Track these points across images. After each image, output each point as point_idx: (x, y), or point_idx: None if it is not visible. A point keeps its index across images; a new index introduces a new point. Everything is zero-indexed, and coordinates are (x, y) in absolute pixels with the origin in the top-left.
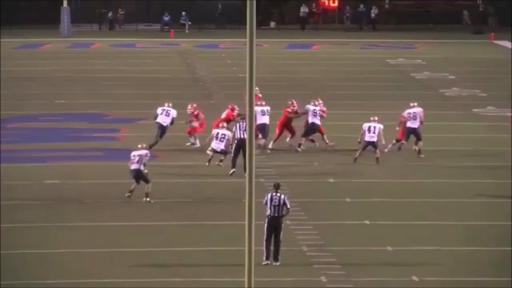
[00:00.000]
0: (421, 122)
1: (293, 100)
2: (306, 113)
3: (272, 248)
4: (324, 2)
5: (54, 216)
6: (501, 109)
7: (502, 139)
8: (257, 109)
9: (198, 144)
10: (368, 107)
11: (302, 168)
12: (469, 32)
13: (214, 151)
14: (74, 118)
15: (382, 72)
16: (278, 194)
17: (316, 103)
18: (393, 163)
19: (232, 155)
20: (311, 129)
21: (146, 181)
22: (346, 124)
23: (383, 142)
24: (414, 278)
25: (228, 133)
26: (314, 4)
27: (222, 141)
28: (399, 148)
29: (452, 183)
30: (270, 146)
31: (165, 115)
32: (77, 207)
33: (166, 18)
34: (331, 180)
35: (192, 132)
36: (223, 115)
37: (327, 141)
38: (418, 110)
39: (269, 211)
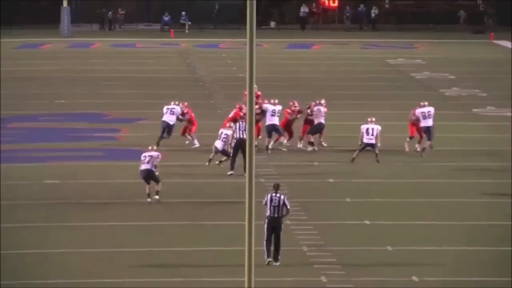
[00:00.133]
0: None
1: (295, 101)
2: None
3: (272, 248)
4: (324, 2)
5: (54, 216)
6: (501, 109)
7: (502, 139)
8: (269, 107)
9: (197, 144)
10: (368, 107)
11: (302, 168)
12: (469, 32)
13: (216, 150)
14: (74, 118)
15: (382, 72)
16: (278, 195)
17: (318, 102)
18: (393, 163)
19: (231, 155)
20: (318, 128)
21: (157, 180)
22: (346, 124)
23: (379, 144)
24: (414, 278)
25: (230, 133)
26: (314, 4)
27: (224, 141)
28: (423, 149)
29: (452, 183)
30: (270, 146)
31: (170, 113)
32: (77, 207)
33: (166, 18)
34: (331, 180)
35: (184, 133)
36: (231, 114)
37: (323, 143)
38: (431, 109)
39: (269, 211)
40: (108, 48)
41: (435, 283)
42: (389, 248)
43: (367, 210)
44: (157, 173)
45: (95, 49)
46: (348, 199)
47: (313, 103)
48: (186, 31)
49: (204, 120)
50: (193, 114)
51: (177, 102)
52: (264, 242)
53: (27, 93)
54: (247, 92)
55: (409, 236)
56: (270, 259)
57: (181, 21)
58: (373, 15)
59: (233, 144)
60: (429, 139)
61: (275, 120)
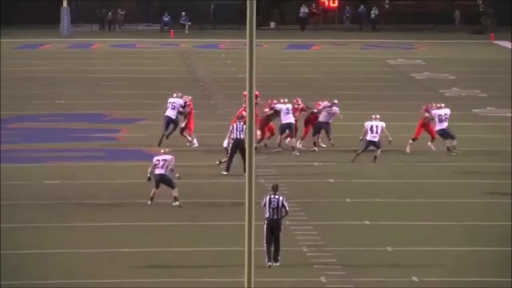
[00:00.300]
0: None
1: (298, 99)
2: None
3: (272, 249)
4: (324, 2)
5: (54, 216)
6: (501, 110)
7: (502, 139)
8: (282, 107)
9: (196, 143)
10: (368, 107)
11: (302, 168)
12: (468, 32)
13: (226, 149)
14: (74, 118)
15: (382, 72)
16: (277, 196)
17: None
18: (393, 163)
19: (229, 155)
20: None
21: (172, 186)
22: (346, 125)
23: (390, 139)
24: (414, 278)
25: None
26: (314, 4)
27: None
28: (453, 147)
29: (452, 183)
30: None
31: (171, 108)
32: (77, 207)
33: (166, 19)
34: (331, 180)
35: (182, 132)
36: (238, 112)
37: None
38: (448, 111)
39: (268, 213)
40: (108, 49)
41: (435, 283)
42: (389, 248)
43: (367, 210)
44: (176, 175)
45: (95, 49)
46: (348, 199)
47: (328, 103)
48: (186, 32)
49: (204, 120)
50: (193, 112)
51: (179, 94)
52: (265, 245)
53: (27, 93)
54: (247, 92)
55: (409, 236)
56: (271, 264)
57: (181, 21)
58: (373, 15)
59: (230, 145)
60: (451, 138)
61: (291, 118)
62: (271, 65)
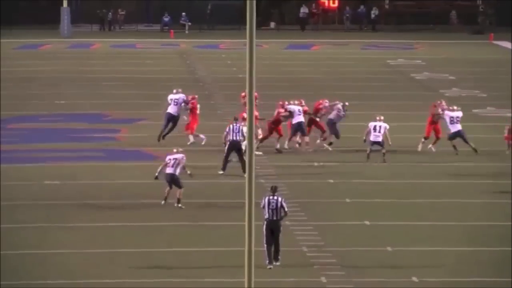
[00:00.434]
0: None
1: (302, 100)
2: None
3: (272, 249)
4: (324, 3)
5: (54, 216)
6: (501, 110)
7: (502, 139)
8: (295, 108)
9: (204, 138)
10: (368, 107)
11: (302, 168)
12: (468, 32)
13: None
14: (74, 118)
15: (382, 72)
16: (275, 197)
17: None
18: (393, 163)
19: (224, 156)
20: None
21: (179, 186)
22: (346, 125)
23: (390, 143)
24: (414, 279)
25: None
26: (314, 5)
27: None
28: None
29: (452, 183)
30: (286, 146)
31: (173, 104)
32: (77, 208)
33: (166, 19)
34: (331, 181)
35: (188, 129)
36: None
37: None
38: (460, 114)
39: (267, 214)
40: (108, 49)
41: (435, 283)
42: (389, 248)
43: (367, 211)
44: (188, 172)
45: (95, 49)
46: (348, 200)
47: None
48: (186, 32)
49: (204, 120)
50: (196, 111)
51: (179, 90)
52: (265, 246)
53: (27, 94)
54: (246, 93)
55: (409, 236)
56: (271, 266)
57: (181, 21)
58: (373, 15)
59: (226, 146)
60: (465, 141)
61: (301, 118)
62: (271, 65)
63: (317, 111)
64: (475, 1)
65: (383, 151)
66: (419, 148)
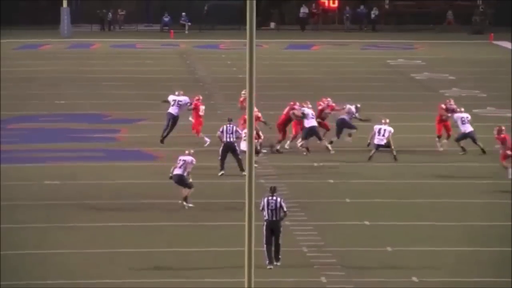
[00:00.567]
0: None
1: (307, 102)
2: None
3: (272, 249)
4: (324, 3)
5: (54, 216)
6: (501, 110)
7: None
8: (309, 111)
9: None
10: (368, 107)
11: (302, 168)
12: (468, 32)
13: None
14: (74, 118)
15: (382, 72)
16: (274, 198)
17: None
18: (393, 163)
19: (220, 157)
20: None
21: (187, 187)
22: None
23: (392, 147)
24: (414, 279)
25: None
26: (314, 5)
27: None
28: (464, 149)
29: (452, 183)
30: (286, 146)
31: (176, 105)
32: (77, 208)
33: (166, 19)
34: (331, 181)
35: (195, 129)
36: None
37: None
38: (468, 115)
39: (267, 215)
40: (108, 49)
41: (435, 283)
42: (389, 248)
43: (367, 211)
44: (190, 180)
45: (95, 49)
46: (348, 200)
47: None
48: (186, 32)
49: (204, 120)
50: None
51: (181, 92)
52: (265, 246)
53: (27, 94)
54: (246, 93)
55: (409, 236)
56: (271, 266)
57: (181, 21)
58: (373, 15)
59: (221, 148)
60: (474, 142)
61: (314, 122)
62: (271, 65)
63: (320, 112)
64: (475, 1)
65: (394, 153)
66: (439, 147)
